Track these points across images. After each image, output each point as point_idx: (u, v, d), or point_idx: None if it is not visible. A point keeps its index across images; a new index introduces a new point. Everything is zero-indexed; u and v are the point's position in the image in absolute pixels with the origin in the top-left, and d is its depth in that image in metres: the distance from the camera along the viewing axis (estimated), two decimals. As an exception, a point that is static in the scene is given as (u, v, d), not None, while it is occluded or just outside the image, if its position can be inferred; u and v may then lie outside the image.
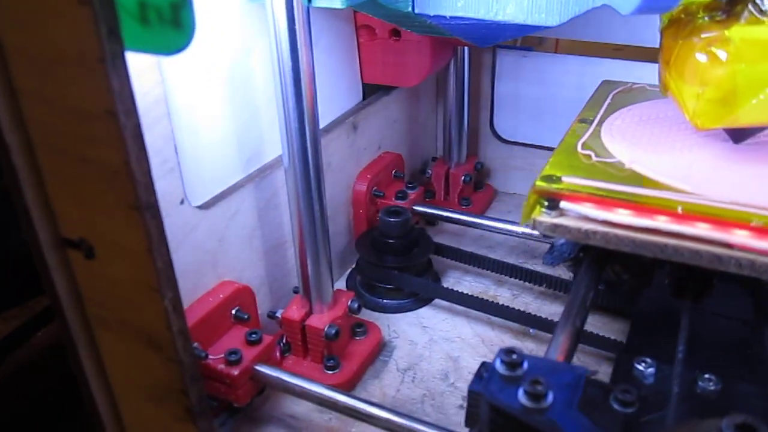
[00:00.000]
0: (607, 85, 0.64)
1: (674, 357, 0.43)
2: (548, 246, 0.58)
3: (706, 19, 0.43)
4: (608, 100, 0.59)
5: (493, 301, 0.65)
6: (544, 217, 0.44)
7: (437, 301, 0.69)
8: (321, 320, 0.56)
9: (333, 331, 0.56)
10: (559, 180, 0.45)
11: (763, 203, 0.40)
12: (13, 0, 0.31)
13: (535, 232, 0.72)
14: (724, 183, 0.44)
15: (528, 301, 0.69)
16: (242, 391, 0.51)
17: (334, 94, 0.69)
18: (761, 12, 0.40)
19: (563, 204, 0.44)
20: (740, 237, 0.39)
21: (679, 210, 0.41)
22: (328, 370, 0.57)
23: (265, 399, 0.56)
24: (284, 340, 0.58)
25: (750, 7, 0.41)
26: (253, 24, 0.55)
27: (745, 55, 0.40)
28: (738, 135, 0.48)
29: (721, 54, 0.41)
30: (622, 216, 0.42)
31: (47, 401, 0.88)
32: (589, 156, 0.49)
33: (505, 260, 0.71)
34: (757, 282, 0.45)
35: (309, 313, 0.57)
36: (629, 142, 0.51)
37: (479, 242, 0.79)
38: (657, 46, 0.49)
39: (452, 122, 0.82)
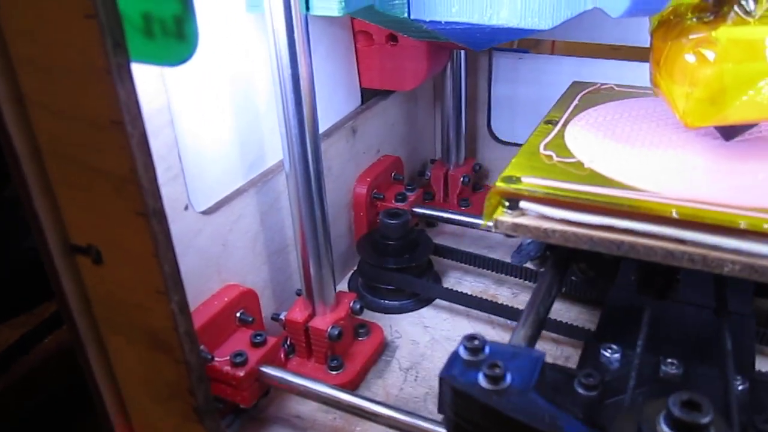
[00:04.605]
0: (576, 86, 0.65)
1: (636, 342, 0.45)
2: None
3: (694, 20, 0.44)
4: (575, 101, 0.60)
5: (492, 301, 0.66)
6: (506, 217, 0.45)
7: (438, 300, 0.70)
8: (324, 321, 0.57)
9: (336, 332, 0.57)
10: (518, 180, 0.45)
11: (714, 199, 0.41)
12: (22, 12, 0.32)
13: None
14: (677, 181, 0.45)
15: (527, 299, 0.70)
16: (248, 392, 0.52)
17: (333, 99, 0.70)
18: (747, 13, 0.42)
19: (523, 204, 0.45)
20: (692, 233, 0.40)
21: (633, 208, 0.41)
22: (331, 370, 0.58)
23: (270, 400, 0.57)
24: (288, 342, 0.60)
25: (736, 8, 0.42)
26: (254, 32, 0.56)
27: (732, 54, 0.41)
28: (728, 132, 0.49)
29: (709, 54, 0.42)
30: (579, 214, 0.43)
31: (55, 405, 0.89)
32: (551, 156, 0.50)
33: (504, 260, 0.72)
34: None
35: (312, 315, 0.58)
36: (591, 142, 0.51)
37: (479, 242, 0.80)
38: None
39: (450, 124, 0.83)
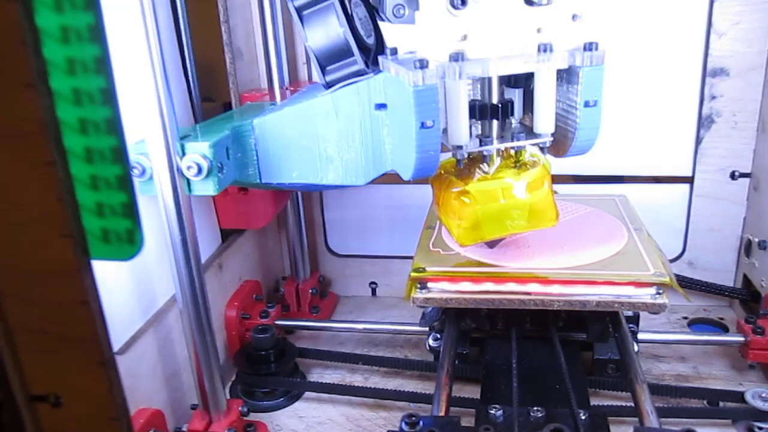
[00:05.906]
0: None
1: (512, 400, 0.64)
2: (421, 317, 0.85)
3: (455, 177, 0.67)
4: None
5: (349, 385, 0.83)
6: (419, 294, 0.69)
7: (307, 393, 0.86)
8: (221, 426, 0.71)
9: (232, 433, 0.71)
10: (424, 270, 0.70)
11: (544, 266, 0.68)
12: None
13: (374, 326, 0.93)
14: (520, 258, 0.71)
15: (376, 381, 0.88)
16: (169, 492, 0.64)
17: (201, 242, 0.86)
18: (485, 172, 0.65)
19: (429, 284, 0.69)
20: (533, 287, 0.66)
21: (499, 277, 0.68)
22: (231, 465, 0.72)
23: (183, 499, 0.70)
24: (191, 449, 0.72)
25: (478, 170, 0.65)
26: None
27: (479, 199, 0.64)
28: (491, 244, 0.72)
29: (466, 200, 0.65)
30: (467, 285, 0.68)
31: None
32: (439, 251, 0.74)
33: (354, 352, 0.91)
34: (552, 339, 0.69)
35: (210, 423, 0.72)
36: None
37: (332, 341, 0.98)
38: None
39: (295, 246, 1.02)
